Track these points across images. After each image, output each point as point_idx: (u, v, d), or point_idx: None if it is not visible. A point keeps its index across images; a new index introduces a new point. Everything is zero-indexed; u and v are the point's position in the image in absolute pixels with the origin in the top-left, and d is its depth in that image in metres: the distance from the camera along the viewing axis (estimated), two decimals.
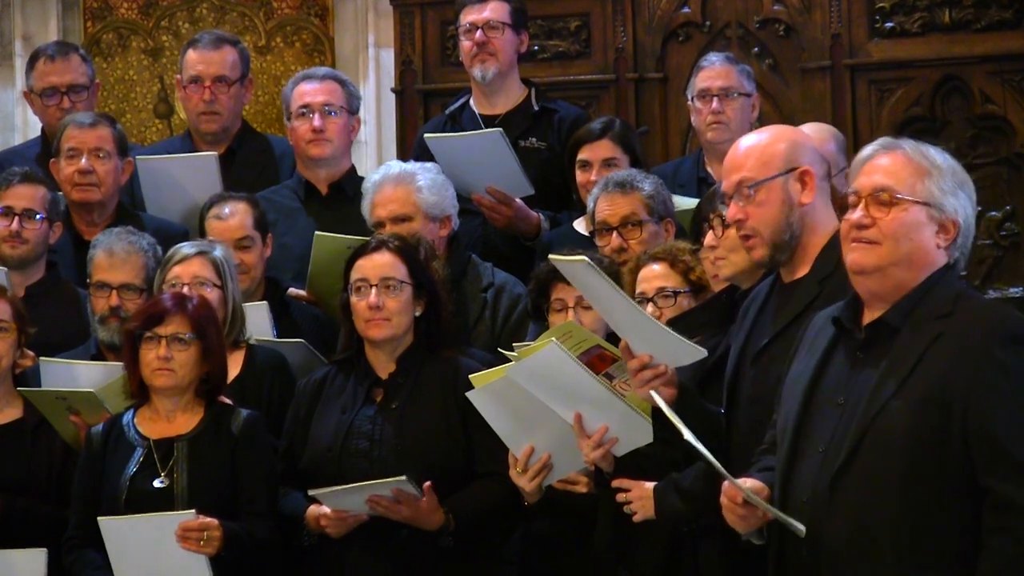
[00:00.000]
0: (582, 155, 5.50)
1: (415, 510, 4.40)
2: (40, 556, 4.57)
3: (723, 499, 3.51)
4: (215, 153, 5.90)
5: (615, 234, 5.04)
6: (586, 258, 3.79)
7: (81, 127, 5.68)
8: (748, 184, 3.77)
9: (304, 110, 5.77)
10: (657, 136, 6.44)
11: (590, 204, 5.18)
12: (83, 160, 5.63)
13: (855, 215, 3.44)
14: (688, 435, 3.51)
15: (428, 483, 4.40)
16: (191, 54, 6.08)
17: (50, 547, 4.63)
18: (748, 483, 3.49)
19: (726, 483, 3.50)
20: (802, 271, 3.79)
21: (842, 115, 6.18)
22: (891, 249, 3.41)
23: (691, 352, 3.76)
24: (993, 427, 3.25)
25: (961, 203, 3.45)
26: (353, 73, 7.04)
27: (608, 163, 5.45)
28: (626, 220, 5.04)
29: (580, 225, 5.49)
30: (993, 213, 6.10)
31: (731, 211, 3.81)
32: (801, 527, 3.37)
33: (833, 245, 3.71)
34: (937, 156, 3.47)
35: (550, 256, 4.18)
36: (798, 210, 3.76)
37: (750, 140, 3.88)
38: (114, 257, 5.20)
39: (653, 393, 3.66)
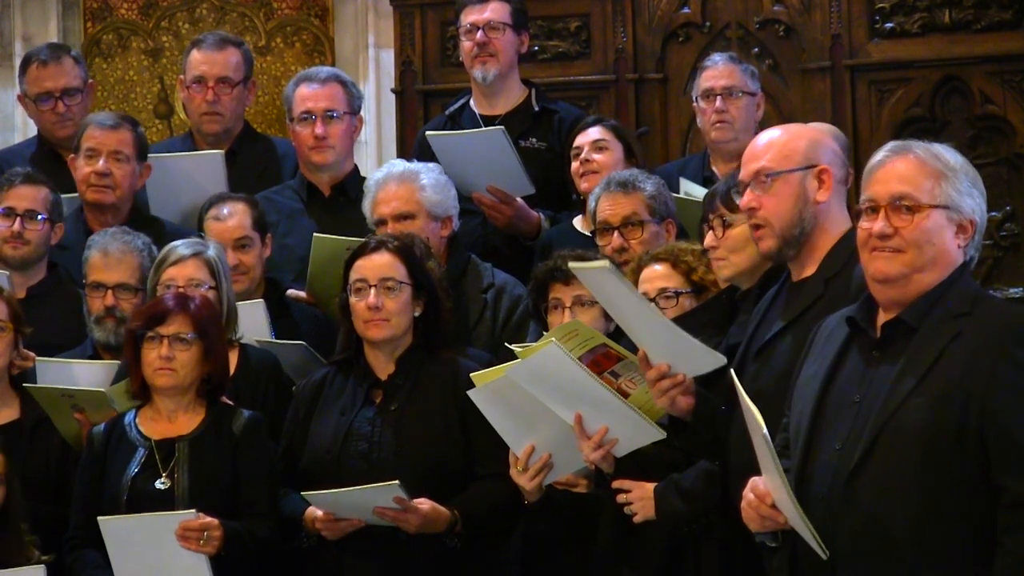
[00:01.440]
0: (575, 144, 5.53)
1: (423, 519, 4.40)
2: (39, 573, 4.56)
3: (749, 495, 3.49)
4: (221, 152, 5.89)
5: (616, 234, 5.04)
6: (608, 263, 3.79)
7: (103, 128, 5.66)
8: (766, 173, 3.78)
9: (306, 115, 5.77)
10: (657, 136, 6.45)
11: (591, 203, 5.19)
12: (101, 162, 5.62)
13: (877, 225, 3.42)
14: (763, 425, 3.43)
15: (423, 500, 4.40)
16: (195, 54, 6.08)
17: (49, 546, 4.63)
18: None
19: (756, 479, 3.48)
20: (810, 270, 3.80)
21: (842, 115, 6.18)
22: (915, 256, 3.41)
23: (711, 359, 3.75)
24: (1009, 426, 3.25)
25: (977, 201, 3.45)
26: (353, 74, 7.03)
27: (597, 145, 5.48)
28: (627, 220, 5.05)
29: (579, 223, 5.50)
30: (993, 213, 6.09)
31: (746, 198, 3.81)
32: (825, 552, 3.36)
33: (842, 246, 3.72)
34: (949, 156, 3.47)
35: (571, 264, 4.18)
36: (812, 207, 3.76)
37: (773, 133, 3.89)
38: (109, 257, 5.20)
39: (734, 377, 3.62)
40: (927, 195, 3.40)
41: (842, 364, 3.49)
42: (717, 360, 3.75)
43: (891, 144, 3.52)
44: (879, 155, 3.50)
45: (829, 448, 3.42)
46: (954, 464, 3.28)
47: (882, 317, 3.47)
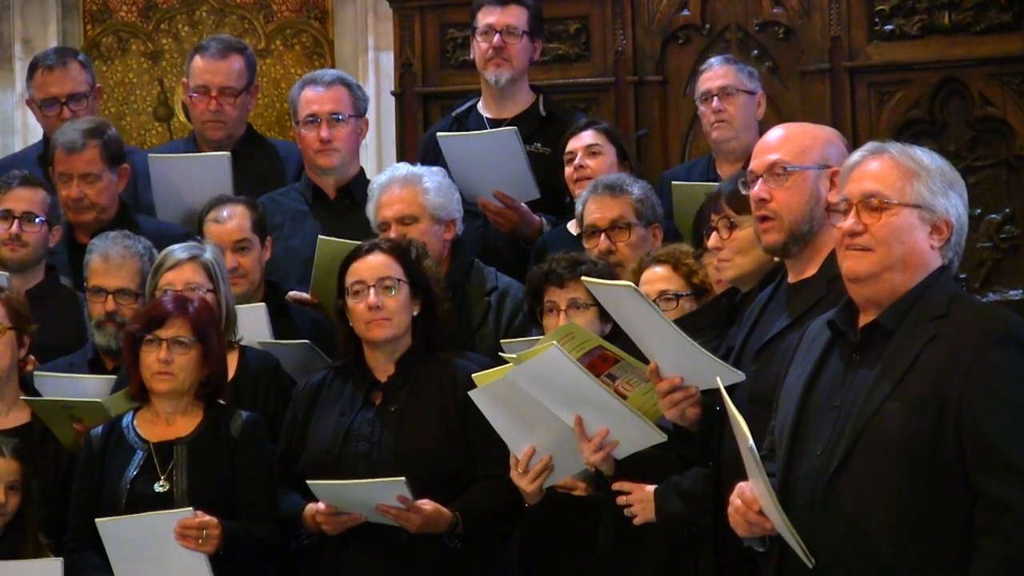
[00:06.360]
0: (568, 148, 5.53)
1: (425, 519, 4.40)
2: (56, 566, 4.55)
3: (735, 501, 3.49)
4: (228, 154, 5.88)
5: (603, 236, 5.05)
6: (631, 284, 3.81)
7: (68, 151, 5.61)
8: (783, 166, 3.79)
9: (311, 118, 5.75)
10: (657, 139, 6.43)
11: (578, 207, 5.19)
12: (74, 188, 5.61)
13: (847, 223, 3.43)
14: (748, 436, 3.43)
15: (425, 500, 4.40)
16: (198, 62, 6.04)
17: (57, 548, 4.64)
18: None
19: (743, 485, 3.47)
20: (810, 271, 3.81)
21: (841, 118, 6.17)
22: (884, 254, 3.41)
23: (730, 375, 3.73)
24: (986, 428, 3.25)
25: (952, 202, 3.44)
26: (353, 76, 7.02)
27: (591, 150, 5.47)
28: (614, 223, 5.06)
29: (573, 227, 5.51)
30: (992, 216, 6.10)
31: (758, 189, 3.81)
32: (811, 560, 3.35)
33: None
34: (924, 157, 3.47)
35: (584, 279, 4.18)
36: (822, 207, 3.76)
37: (790, 128, 3.92)
38: (110, 262, 5.19)
39: (724, 393, 3.59)
40: (897, 193, 3.40)
41: (824, 368, 3.48)
42: (736, 376, 3.74)
43: (869, 145, 3.53)
44: (856, 156, 3.51)
45: (811, 453, 3.42)
46: (932, 468, 3.28)
47: (862, 320, 3.47)
